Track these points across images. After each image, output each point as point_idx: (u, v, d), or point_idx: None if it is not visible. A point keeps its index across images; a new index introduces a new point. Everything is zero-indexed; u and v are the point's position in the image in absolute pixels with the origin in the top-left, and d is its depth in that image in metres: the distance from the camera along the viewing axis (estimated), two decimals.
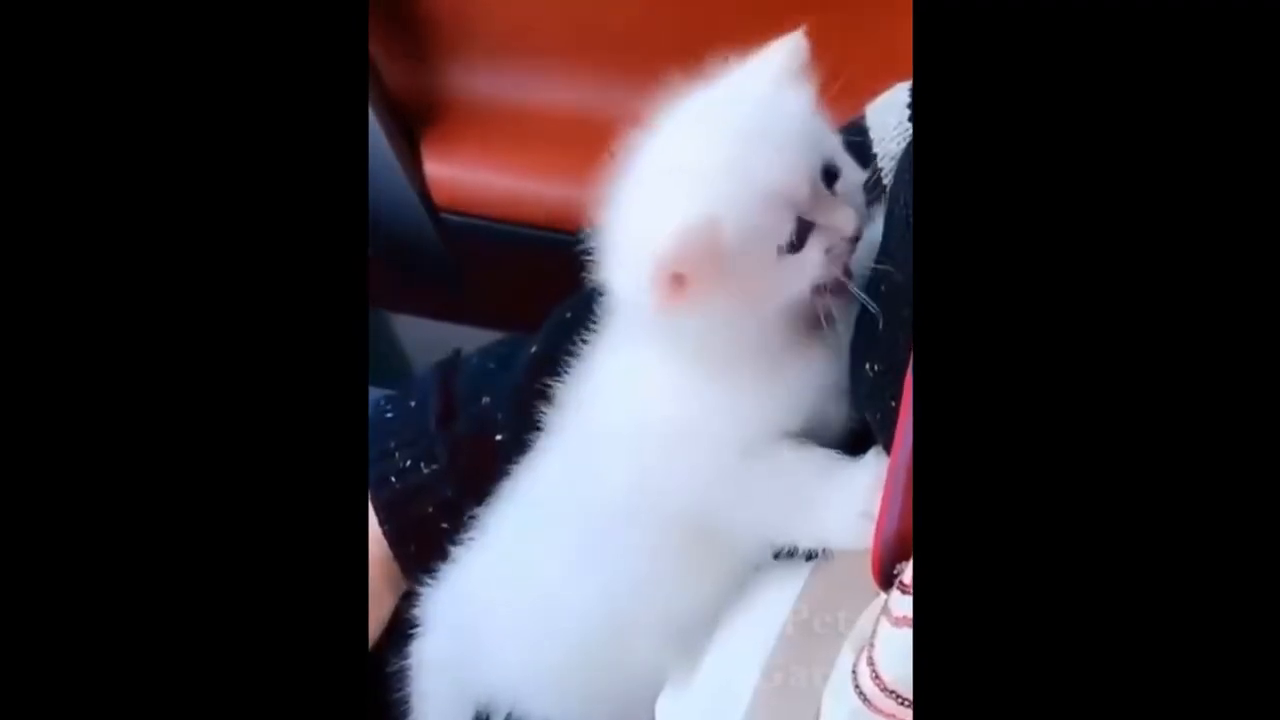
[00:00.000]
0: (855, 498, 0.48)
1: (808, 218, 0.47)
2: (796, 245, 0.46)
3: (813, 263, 0.47)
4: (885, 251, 0.50)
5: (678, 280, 0.45)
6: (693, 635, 0.52)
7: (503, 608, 0.57)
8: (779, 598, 0.49)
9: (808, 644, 0.47)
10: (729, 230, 0.45)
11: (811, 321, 0.49)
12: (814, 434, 0.51)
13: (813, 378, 0.50)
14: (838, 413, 0.51)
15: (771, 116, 0.47)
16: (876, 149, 0.59)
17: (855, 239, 0.48)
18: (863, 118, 0.61)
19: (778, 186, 0.46)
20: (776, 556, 0.51)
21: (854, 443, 0.51)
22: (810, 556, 0.49)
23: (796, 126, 0.47)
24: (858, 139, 0.58)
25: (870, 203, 0.53)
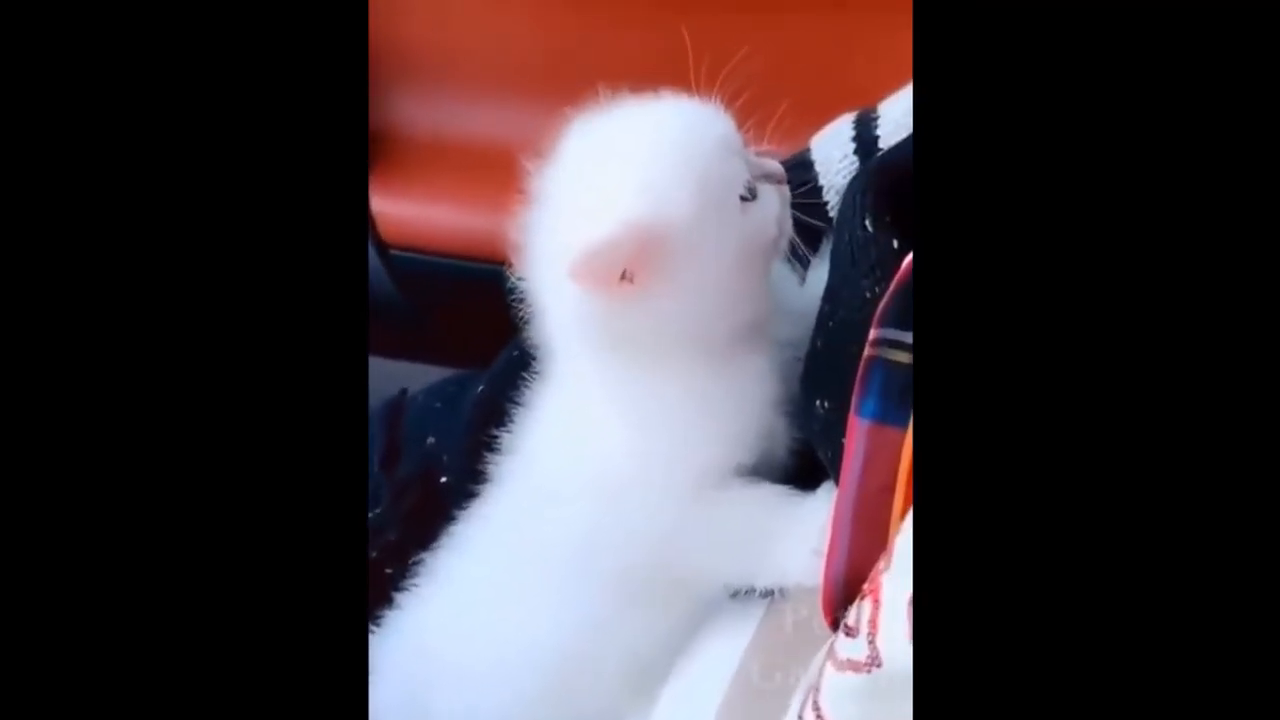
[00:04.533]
0: (808, 535, 0.48)
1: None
2: (752, 193, 0.49)
3: (771, 204, 0.50)
4: (832, 287, 0.49)
5: (623, 276, 0.47)
6: (650, 675, 0.52)
7: (455, 654, 0.56)
8: (733, 637, 0.49)
9: (763, 682, 0.46)
10: (691, 195, 0.47)
11: (754, 325, 0.51)
12: (763, 456, 0.51)
13: (756, 391, 0.50)
14: (784, 430, 0.51)
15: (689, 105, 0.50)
16: (822, 181, 0.59)
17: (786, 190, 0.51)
18: (808, 151, 0.61)
19: (727, 135, 0.49)
20: (734, 595, 0.50)
21: (803, 473, 0.51)
22: (768, 593, 0.49)
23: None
24: (802, 172, 0.58)
25: (817, 240, 0.53)
